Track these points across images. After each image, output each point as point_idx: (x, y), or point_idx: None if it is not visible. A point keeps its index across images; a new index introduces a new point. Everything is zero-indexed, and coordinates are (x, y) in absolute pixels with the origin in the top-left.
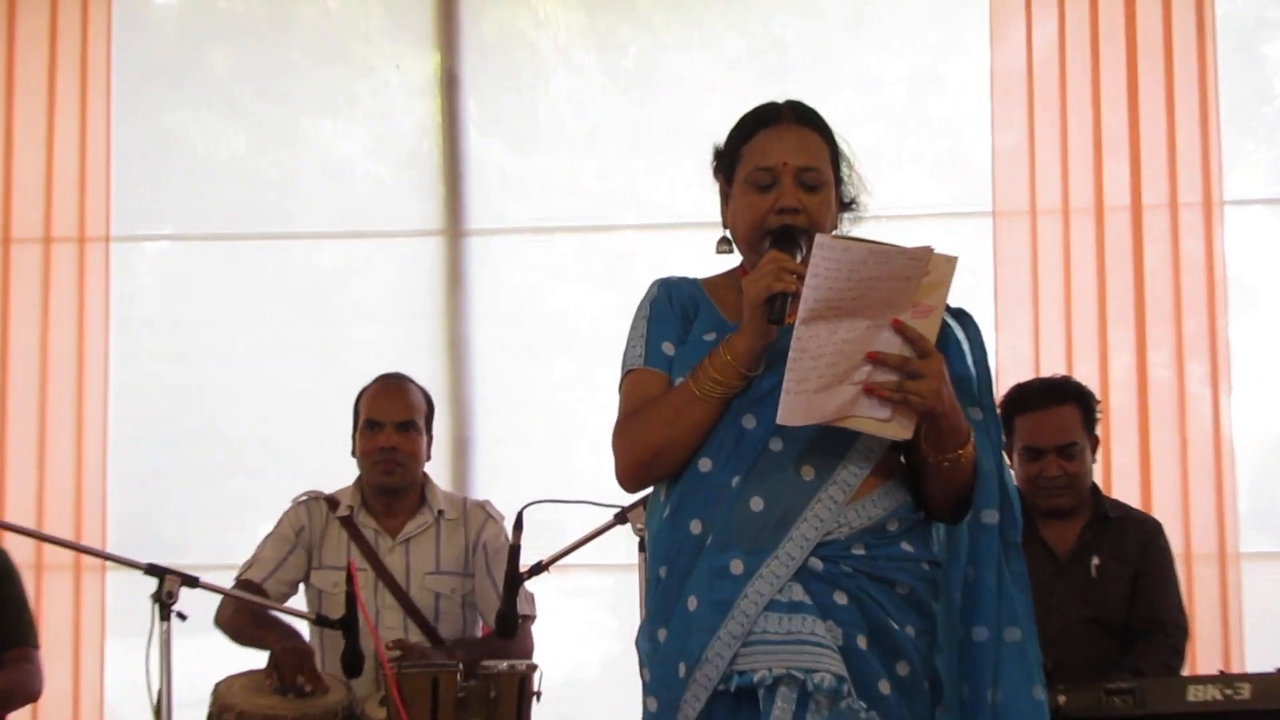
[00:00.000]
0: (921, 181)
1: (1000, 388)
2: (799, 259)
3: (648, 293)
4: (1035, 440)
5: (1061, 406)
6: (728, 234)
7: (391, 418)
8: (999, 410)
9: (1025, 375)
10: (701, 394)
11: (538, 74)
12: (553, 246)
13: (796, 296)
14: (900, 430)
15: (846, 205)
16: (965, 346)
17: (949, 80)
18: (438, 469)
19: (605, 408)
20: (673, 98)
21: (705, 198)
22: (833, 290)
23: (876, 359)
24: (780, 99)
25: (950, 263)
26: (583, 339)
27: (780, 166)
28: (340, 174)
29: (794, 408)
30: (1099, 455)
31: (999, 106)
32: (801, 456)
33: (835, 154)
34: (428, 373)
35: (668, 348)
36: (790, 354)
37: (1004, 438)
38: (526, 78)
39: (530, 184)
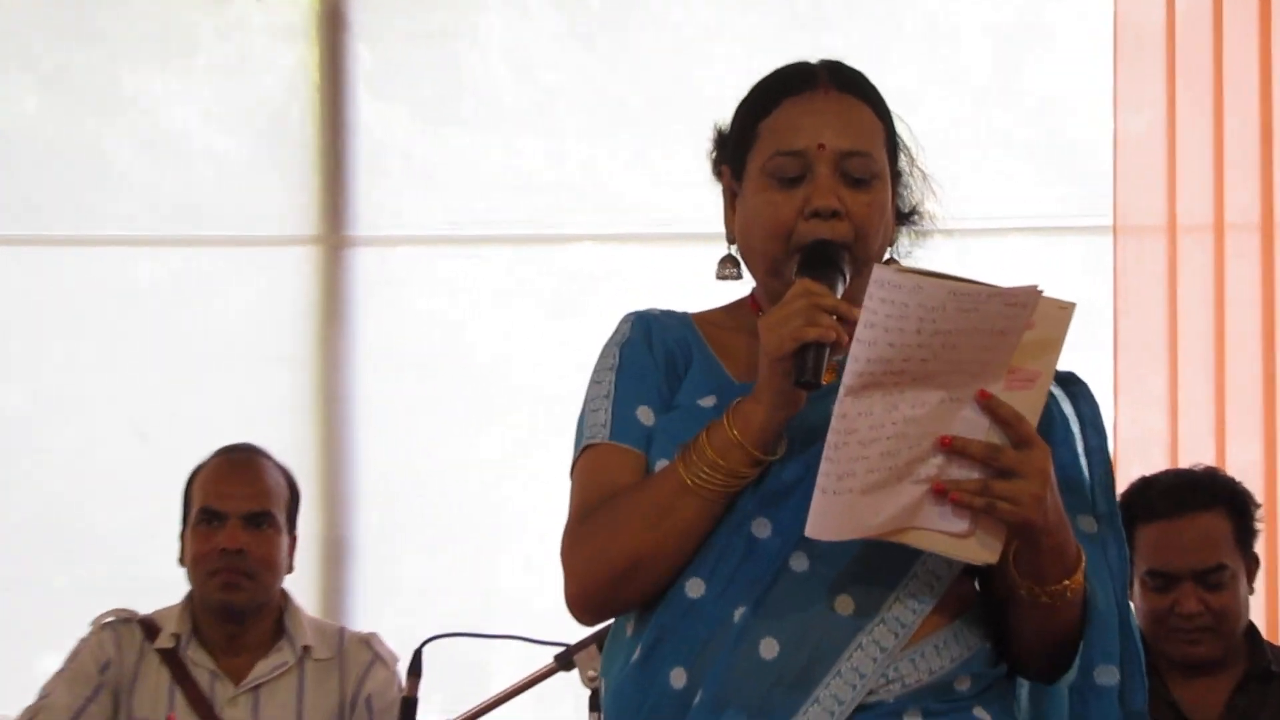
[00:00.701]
0: (1013, 182)
1: (1118, 482)
2: (840, 290)
3: (616, 333)
4: (1165, 561)
5: (1203, 513)
6: (734, 250)
7: (237, 508)
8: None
9: (1157, 464)
10: (695, 485)
11: (462, 13)
12: (478, 264)
13: (836, 348)
14: (982, 551)
15: (906, 216)
16: (1077, 429)
17: (1055, 36)
18: (302, 584)
19: (549, 499)
20: (658, 53)
21: (703, 197)
22: (894, 346)
23: (953, 447)
24: (814, 57)
25: (1065, 312)
26: (519, 398)
27: (814, 150)
28: (172, 153)
29: (831, 514)
30: (1259, 583)
31: (1125, 75)
32: (837, 583)
33: (892, 139)
34: (291, 444)
35: (645, 414)
36: (830, 436)
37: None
38: (445, 19)
39: (447, 173)
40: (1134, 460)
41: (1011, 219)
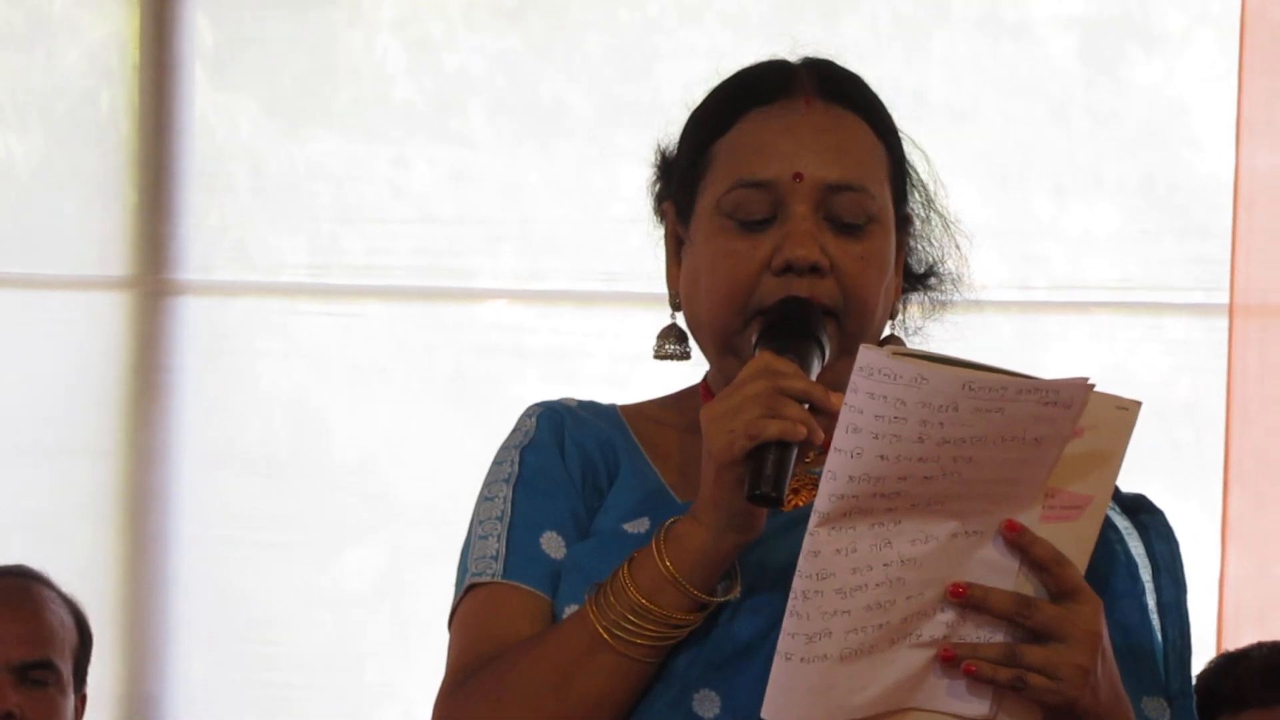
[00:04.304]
0: (1097, 237)
1: (1233, 636)
2: (816, 370)
3: (516, 431)
4: None
5: None
6: (679, 319)
7: (6, 656)
8: (1196, 698)
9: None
10: (612, 638)
11: None
12: (350, 325)
13: (808, 449)
14: None
15: (920, 277)
16: (1147, 576)
17: (1159, 38)
18: None
19: (433, 647)
20: (610, 39)
21: (656, 243)
22: (887, 459)
23: (968, 599)
24: (800, 51)
25: (1126, 415)
26: (396, 510)
27: (788, 181)
28: None
29: (797, 689)
30: None
31: (1254, 94)
32: None
33: (900, 170)
34: (84, 566)
35: (552, 544)
36: (797, 581)
37: None
38: None
39: (313, 196)
40: (1246, 624)
41: (1094, 289)
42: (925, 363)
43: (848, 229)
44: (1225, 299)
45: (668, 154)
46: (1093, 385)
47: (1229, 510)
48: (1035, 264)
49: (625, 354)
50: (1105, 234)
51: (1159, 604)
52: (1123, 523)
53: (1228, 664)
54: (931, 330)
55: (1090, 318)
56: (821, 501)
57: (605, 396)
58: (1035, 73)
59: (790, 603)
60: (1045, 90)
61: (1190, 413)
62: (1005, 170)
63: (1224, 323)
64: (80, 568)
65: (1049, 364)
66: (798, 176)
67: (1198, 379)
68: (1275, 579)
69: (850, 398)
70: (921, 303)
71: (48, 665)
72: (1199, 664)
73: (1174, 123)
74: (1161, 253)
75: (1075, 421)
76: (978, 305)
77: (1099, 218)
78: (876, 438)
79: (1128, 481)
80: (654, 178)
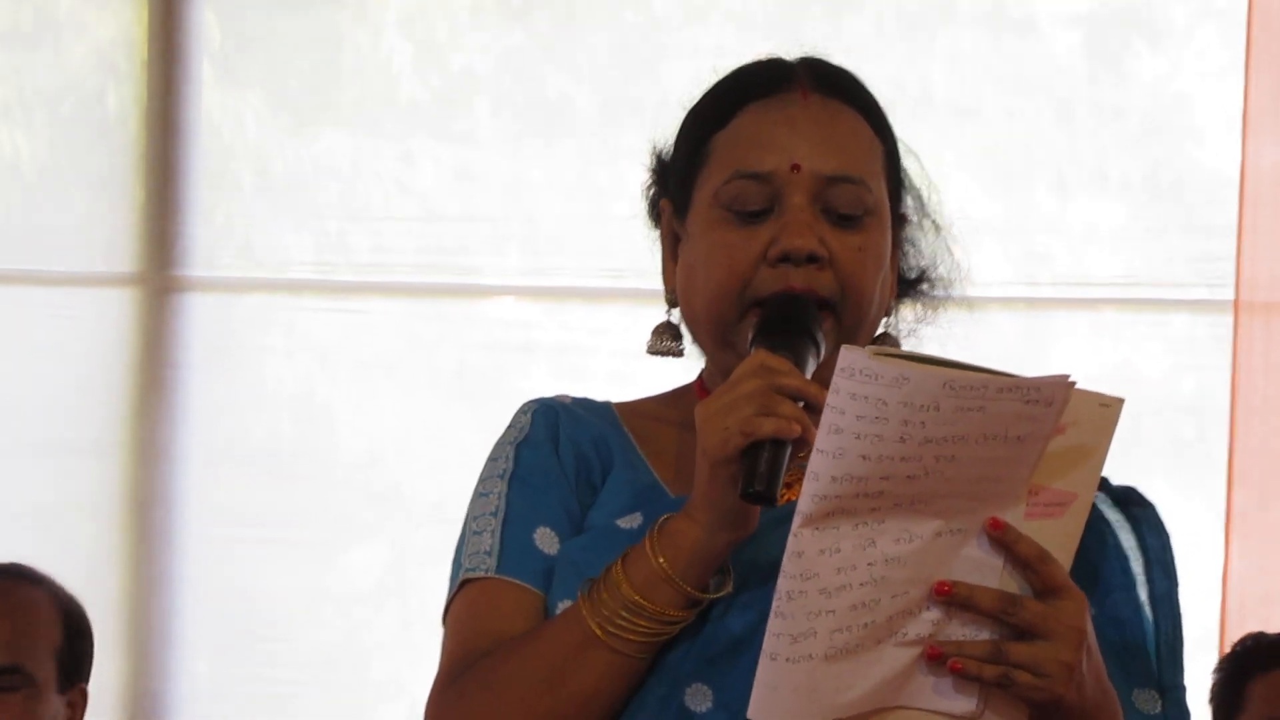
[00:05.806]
0: (1101, 233)
1: (1236, 631)
2: (811, 367)
3: (511, 427)
4: None
5: None
6: (674, 316)
7: None
8: (1222, 671)
9: None
10: (606, 635)
11: None
12: (356, 321)
13: (801, 447)
14: None
15: (913, 282)
16: (1139, 569)
17: (1165, 33)
18: None
19: (436, 641)
20: (617, 37)
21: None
22: (869, 459)
23: (954, 598)
24: (804, 49)
25: (1109, 411)
26: (402, 508)
27: (785, 173)
28: None
29: (783, 689)
30: None
31: (1261, 88)
32: None
33: (895, 168)
34: (87, 563)
35: (545, 539)
36: (781, 582)
37: None
38: None
39: (318, 193)
40: (1250, 620)
41: (1098, 286)
42: (906, 363)
43: (845, 220)
44: (1230, 295)
45: (663, 155)
46: (1073, 383)
47: (1232, 507)
48: (1039, 260)
49: (632, 351)
50: (1110, 230)
51: (1151, 596)
52: (1114, 515)
53: (1260, 635)
54: (926, 333)
55: (1095, 314)
56: (804, 502)
57: (612, 393)
58: (1040, 68)
59: (775, 603)
60: (1050, 86)
61: (1194, 409)
62: (1010, 166)
63: (1229, 319)
64: (85, 564)
65: (1053, 360)
66: (795, 168)
67: (1202, 376)
68: (1278, 575)
69: (832, 398)
70: (914, 306)
71: (14, 670)
72: (1202, 660)
73: (1179, 118)
74: (1166, 249)
75: (1057, 419)
76: (982, 302)
77: (1103, 214)
78: (859, 438)
79: (1131, 477)
80: (649, 181)
